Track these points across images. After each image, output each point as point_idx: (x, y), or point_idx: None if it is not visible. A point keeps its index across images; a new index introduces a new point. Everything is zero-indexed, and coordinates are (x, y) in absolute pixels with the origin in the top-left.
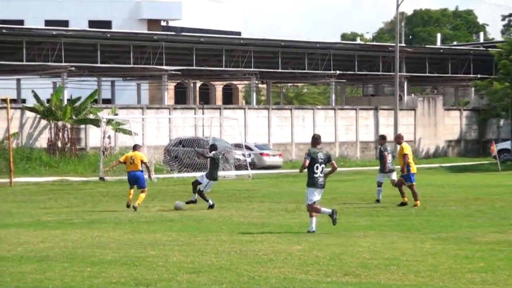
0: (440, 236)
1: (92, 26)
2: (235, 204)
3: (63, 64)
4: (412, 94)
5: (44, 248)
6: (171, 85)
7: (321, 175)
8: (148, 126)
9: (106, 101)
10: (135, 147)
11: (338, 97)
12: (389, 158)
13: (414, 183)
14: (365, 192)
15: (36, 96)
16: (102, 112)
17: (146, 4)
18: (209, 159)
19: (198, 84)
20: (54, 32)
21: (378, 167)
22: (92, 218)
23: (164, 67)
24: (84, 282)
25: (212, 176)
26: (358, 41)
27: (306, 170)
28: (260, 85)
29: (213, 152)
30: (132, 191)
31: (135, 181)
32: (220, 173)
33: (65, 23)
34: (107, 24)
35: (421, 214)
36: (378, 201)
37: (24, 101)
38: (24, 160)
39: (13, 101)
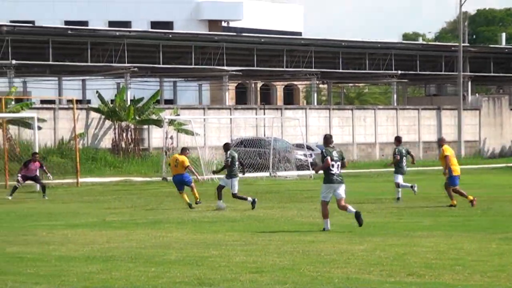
0: (507, 236)
1: (154, 27)
2: (297, 204)
3: (126, 64)
4: (477, 94)
5: (110, 248)
6: (232, 86)
7: (338, 172)
8: (209, 126)
9: (168, 102)
10: (183, 151)
11: (399, 97)
12: (404, 160)
13: (457, 186)
14: (428, 193)
15: (100, 97)
16: (164, 113)
17: (207, 5)
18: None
19: (259, 84)
20: (117, 33)
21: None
22: (155, 218)
23: (225, 68)
24: (149, 282)
25: (231, 174)
26: (420, 41)
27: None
28: (321, 85)
29: (228, 152)
30: (184, 194)
31: (181, 183)
32: (282, 173)
33: (127, 24)
34: (169, 25)
35: (486, 214)
36: (412, 186)
37: (89, 101)
38: (89, 160)
39: (78, 102)
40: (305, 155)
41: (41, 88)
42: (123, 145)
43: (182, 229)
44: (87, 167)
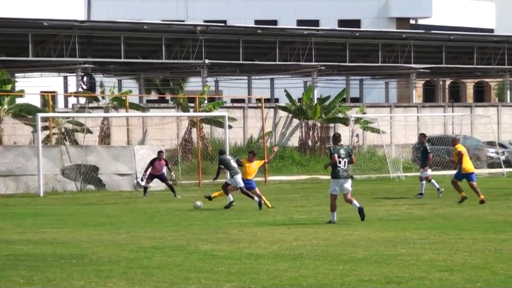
0: None
1: (342, 25)
2: (489, 202)
3: (314, 63)
4: None
5: (297, 246)
6: (420, 83)
7: (344, 168)
8: (396, 124)
9: (354, 100)
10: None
11: None
12: (430, 156)
13: (457, 181)
14: None
15: (288, 95)
16: (351, 111)
17: (395, 3)
18: (221, 165)
19: (448, 82)
20: (305, 32)
21: None
22: (341, 216)
23: (413, 65)
24: (336, 280)
25: (231, 174)
26: None
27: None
28: None
29: (220, 157)
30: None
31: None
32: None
33: (315, 22)
34: (356, 23)
35: None
36: (439, 190)
37: (277, 100)
38: (277, 159)
39: (267, 100)
40: (496, 152)
41: (232, 87)
42: (310, 144)
43: (368, 227)
44: (275, 165)
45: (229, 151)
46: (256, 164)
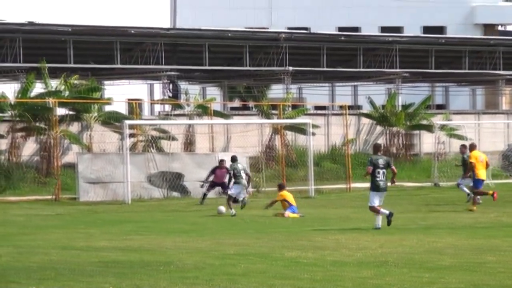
0: None
1: (426, 32)
2: None
3: (397, 70)
4: None
5: (382, 253)
6: (508, 90)
7: (383, 179)
8: (484, 131)
9: (439, 107)
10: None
11: None
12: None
13: (479, 190)
14: None
15: (371, 102)
16: (435, 118)
17: (482, 9)
18: (232, 172)
19: None
20: (389, 39)
21: None
22: (427, 223)
23: (501, 72)
24: None
25: (234, 181)
26: None
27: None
28: None
29: (230, 164)
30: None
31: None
32: None
33: (399, 29)
34: (441, 29)
35: None
36: (469, 195)
37: (360, 107)
38: (360, 166)
39: (350, 107)
40: None
41: (315, 94)
42: (394, 151)
43: (454, 235)
44: (359, 172)
45: (313, 158)
46: (281, 196)
